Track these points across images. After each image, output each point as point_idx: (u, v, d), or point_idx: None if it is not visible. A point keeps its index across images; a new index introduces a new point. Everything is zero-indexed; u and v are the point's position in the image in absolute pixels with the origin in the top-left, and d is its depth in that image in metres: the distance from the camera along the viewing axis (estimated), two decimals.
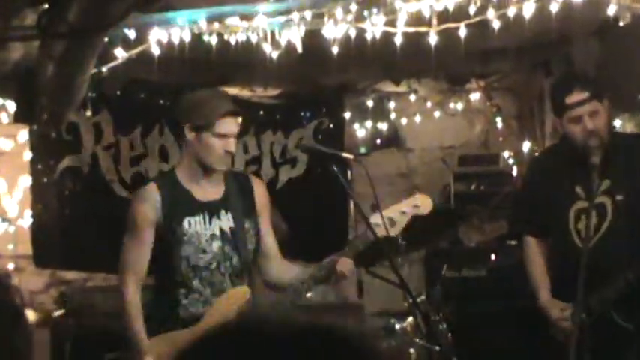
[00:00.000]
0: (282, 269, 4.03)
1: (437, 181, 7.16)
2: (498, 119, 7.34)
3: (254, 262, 4.02)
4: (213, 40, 5.10)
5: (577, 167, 4.02)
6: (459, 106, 7.32)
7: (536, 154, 6.37)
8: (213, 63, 5.34)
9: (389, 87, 7.08)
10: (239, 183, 4.03)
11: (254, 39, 5.06)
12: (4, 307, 1.55)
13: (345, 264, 3.85)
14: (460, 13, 4.88)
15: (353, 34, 5.04)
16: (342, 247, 3.95)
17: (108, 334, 5.11)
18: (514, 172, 7.03)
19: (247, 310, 3.85)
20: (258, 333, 1.10)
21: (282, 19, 4.95)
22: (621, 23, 5.01)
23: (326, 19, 4.96)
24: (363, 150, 7.13)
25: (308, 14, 4.90)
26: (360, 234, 3.97)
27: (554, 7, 4.83)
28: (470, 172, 7.10)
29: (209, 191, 3.95)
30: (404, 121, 7.32)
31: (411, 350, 5.06)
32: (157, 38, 4.99)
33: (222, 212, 3.93)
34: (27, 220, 6.27)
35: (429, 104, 7.31)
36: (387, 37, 5.04)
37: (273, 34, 5.03)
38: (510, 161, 7.14)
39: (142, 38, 5.03)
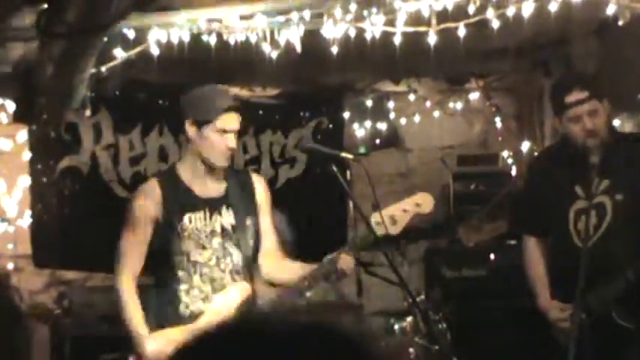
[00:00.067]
0: (282, 267, 4.02)
1: (436, 180, 7.14)
2: (497, 119, 7.33)
3: (254, 259, 4.02)
4: (213, 40, 5.10)
5: (577, 167, 4.02)
6: (459, 105, 7.31)
7: (536, 153, 6.36)
8: (212, 63, 5.33)
9: (388, 87, 7.08)
10: (240, 180, 4.03)
11: (253, 39, 5.06)
12: (4, 307, 1.54)
13: (346, 261, 3.85)
14: (459, 13, 4.88)
15: (352, 33, 5.04)
16: (340, 247, 3.94)
17: (108, 334, 5.11)
18: (513, 172, 7.02)
19: (247, 309, 3.85)
20: (258, 333, 1.10)
21: (281, 18, 4.95)
22: (620, 23, 5.01)
23: (325, 18, 4.97)
24: (362, 150, 7.11)
25: (307, 14, 4.91)
26: (361, 232, 3.97)
27: (553, 7, 4.83)
28: (469, 172, 7.08)
29: (210, 187, 3.95)
30: (403, 120, 7.31)
31: (411, 350, 5.05)
32: (156, 38, 4.99)
33: (224, 209, 3.93)
34: (26, 220, 6.26)
35: (428, 104, 7.30)
36: (387, 36, 5.03)
37: (272, 33, 5.03)
38: (509, 161, 7.12)
39: (141, 38, 5.03)
